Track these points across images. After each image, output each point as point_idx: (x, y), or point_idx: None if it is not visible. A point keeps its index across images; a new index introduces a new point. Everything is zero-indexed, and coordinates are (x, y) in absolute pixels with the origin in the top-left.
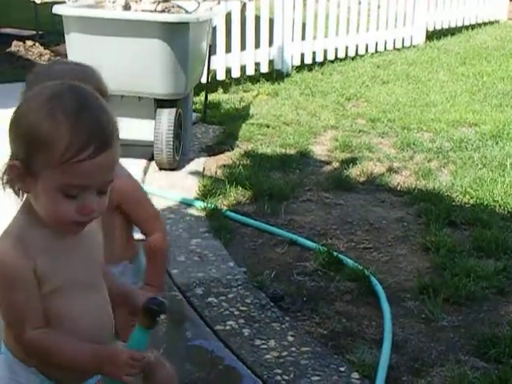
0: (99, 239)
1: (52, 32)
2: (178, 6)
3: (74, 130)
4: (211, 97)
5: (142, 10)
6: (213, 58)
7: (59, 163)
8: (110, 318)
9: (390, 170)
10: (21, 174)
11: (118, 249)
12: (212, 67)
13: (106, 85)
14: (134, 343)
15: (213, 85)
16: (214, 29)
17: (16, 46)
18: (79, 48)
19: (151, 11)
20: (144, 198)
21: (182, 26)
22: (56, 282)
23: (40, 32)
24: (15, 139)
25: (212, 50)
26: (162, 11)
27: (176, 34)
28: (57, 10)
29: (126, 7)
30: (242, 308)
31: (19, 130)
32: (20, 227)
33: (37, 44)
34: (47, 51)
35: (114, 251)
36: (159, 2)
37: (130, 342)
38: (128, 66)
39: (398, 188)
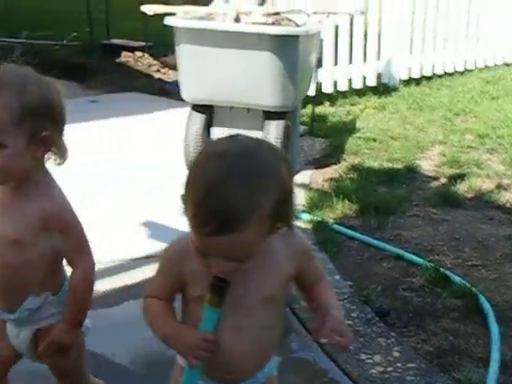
0: (267, 275)
1: (160, 43)
2: (288, 19)
3: (203, 203)
4: (318, 110)
5: (253, 23)
6: (320, 70)
7: (190, 224)
8: (253, 347)
9: (499, 186)
10: None
11: (41, 277)
12: (319, 80)
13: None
14: (205, 324)
15: (319, 98)
16: (322, 41)
17: (126, 57)
18: (189, 59)
19: (261, 24)
20: (71, 225)
21: (292, 38)
22: (198, 293)
23: (149, 43)
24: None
25: (319, 62)
26: (272, 24)
27: (286, 47)
28: (168, 21)
29: (237, 19)
30: (347, 322)
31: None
32: None
33: (146, 55)
34: (156, 62)
35: (35, 279)
36: (270, 15)
37: (201, 324)
38: (237, 78)
39: (507, 205)
